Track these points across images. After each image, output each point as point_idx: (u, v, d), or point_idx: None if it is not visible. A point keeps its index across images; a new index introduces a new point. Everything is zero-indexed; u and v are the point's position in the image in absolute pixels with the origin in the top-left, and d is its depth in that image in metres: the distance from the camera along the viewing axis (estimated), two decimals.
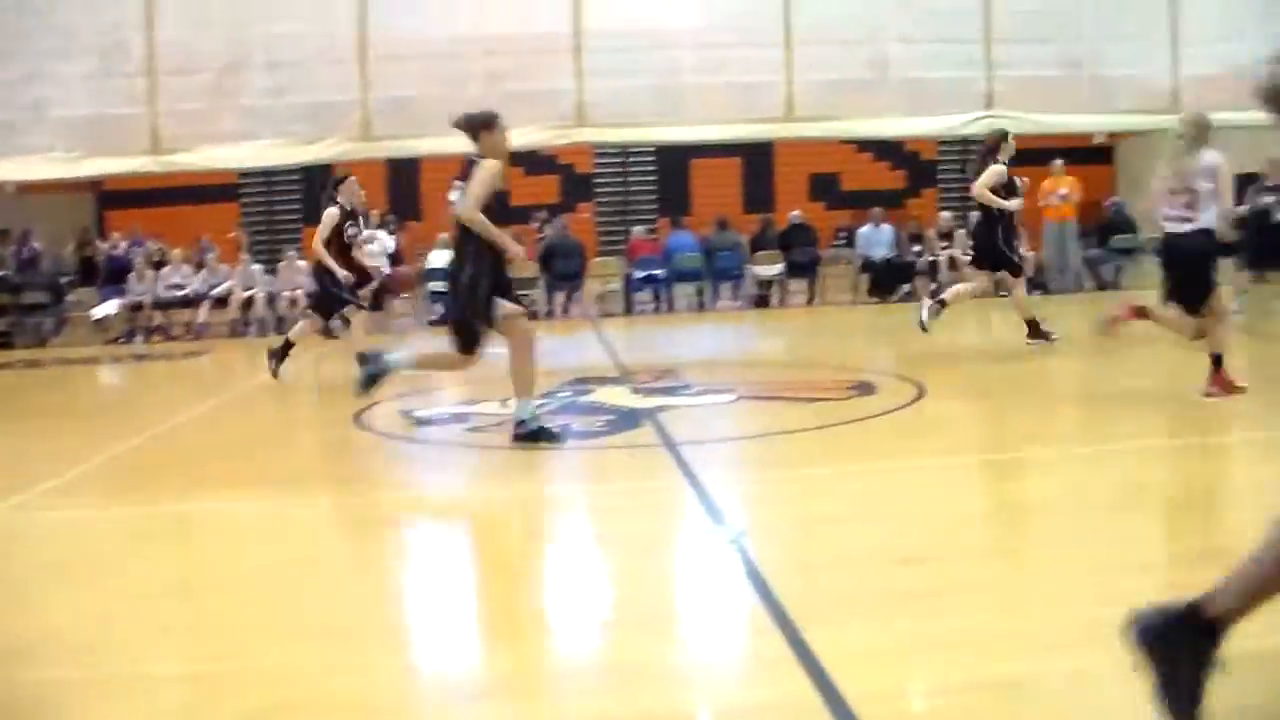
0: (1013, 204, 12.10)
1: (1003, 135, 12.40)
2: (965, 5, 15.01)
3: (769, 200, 26.02)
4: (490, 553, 5.91)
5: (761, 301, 20.91)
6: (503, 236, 7.90)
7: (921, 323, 12.11)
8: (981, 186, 11.96)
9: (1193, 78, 14.97)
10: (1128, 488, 6.52)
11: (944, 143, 28.59)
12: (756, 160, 26.50)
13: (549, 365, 11.91)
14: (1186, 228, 8.49)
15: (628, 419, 9.04)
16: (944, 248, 20.66)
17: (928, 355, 11.78)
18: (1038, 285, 19.92)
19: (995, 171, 11.98)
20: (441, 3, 14.69)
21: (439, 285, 18.92)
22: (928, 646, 4.04)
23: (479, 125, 8.16)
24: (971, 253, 13.24)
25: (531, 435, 8.01)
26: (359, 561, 5.64)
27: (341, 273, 12.05)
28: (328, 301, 12.27)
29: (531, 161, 24.30)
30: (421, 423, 9.50)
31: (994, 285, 12.86)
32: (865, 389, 9.97)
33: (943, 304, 12.29)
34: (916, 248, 21.10)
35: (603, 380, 10.92)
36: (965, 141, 27.73)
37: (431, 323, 18.52)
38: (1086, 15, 15.19)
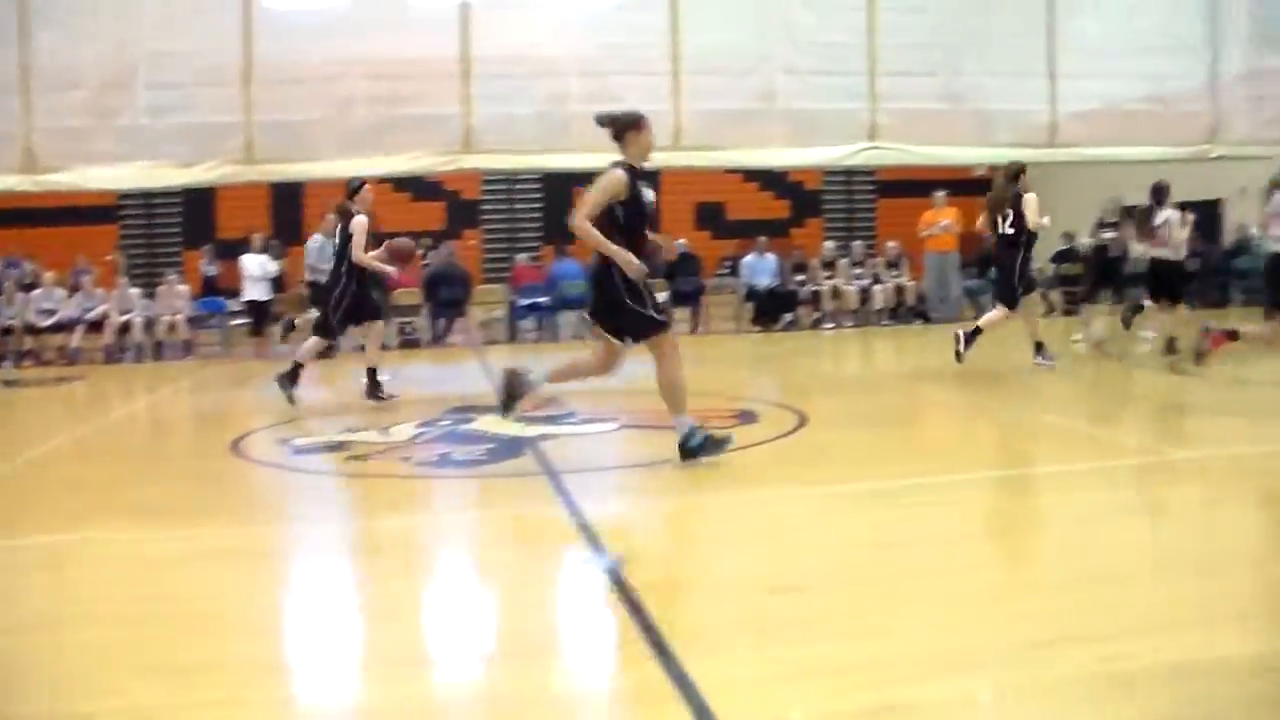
0: (1044, 221, 12.77)
1: (1022, 167, 13.10)
2: (850, 38, 15.15)
3: (655, 229, 26.15)
4: (365, 584, 5.80)
5: None
6: (616, 249, 7.71)
7: (958, 353, 12.31)
8: (1033, 214, 12.60)
9: (1070, 113, 15.28)
10: (1003, 516, 6.61)
11: (828, 173, 28.93)
12: None
13: (432, 393, 11.85)
14: None
15: (509, 447, 8.97)
16: (827, 277, 20.88)
17: (811, 384, 11.91)
18: (919, 315, 20.24)
19: (1034, 199, 12.71)
20: (327, 25, 14.51)
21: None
22: (805, 674, 4.04)
23: (627, 126, 8.07)
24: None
25: (697, 451, 7.77)
26: (231, 595, 5.50)
27: (390, 269, 12.07)
28: (366, 308, 11.99)
29: (418, 187, 24.20)
30: (300, 451, 9.33)
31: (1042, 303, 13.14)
32: (747, 417, 10.00)
33: (978, 331, 12.55)
34: (800, 277, 21.30)
35: (485, 409, 10.83)
36: (849, 172, 28.10)
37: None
38: (968, 50, 15.43)
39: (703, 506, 6.99)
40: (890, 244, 22.21)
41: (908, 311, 20.84)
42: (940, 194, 20.35)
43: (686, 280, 21.01)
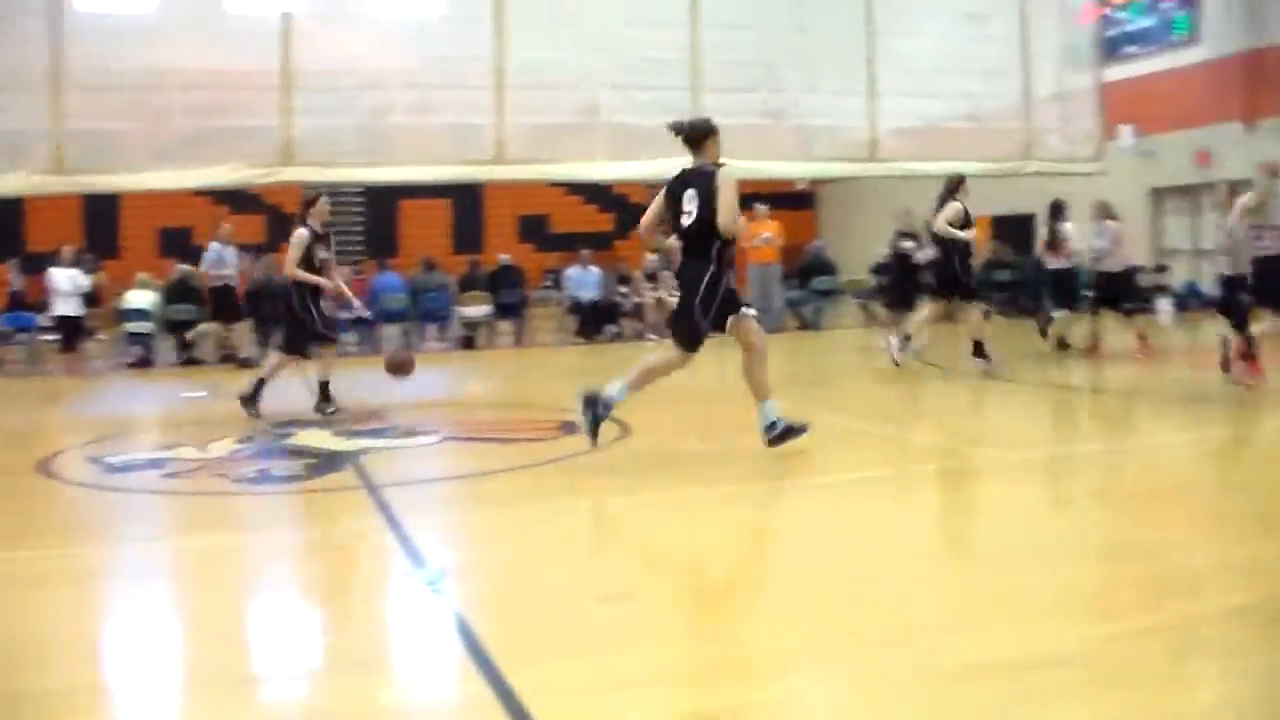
0: (968, 235, 13.29)
1: (961, 178, 13.55)
2: (674, 54, 15.33)
3: (478, 241, 26.12)
4: (184, 604, 5.68)
5: (468, 343, 20.74)
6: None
7: (895, 360, 13.34)
8: (942, 222, 13.20)
9: (889, 130, 15.67)
10: (825, 519, 6.73)
11: (652, 186, 29.15)
12: (466, 202, 26.58)
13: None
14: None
15: (329, 462, 8.86)
16: (650, 289, 21.01)
17: (633, 395, 11.90)
18: None
19: (955, 209, 13.19)
20: (143, 33, 14.20)
21: (137, 326, 18.32)
22: (633, 682, 4.07)
23: (705, 134, 8.31)
24: (932, 284, 14.24)
25: (783, 435, 8.35)
26: (48, 620, 5.33)
27: (328, 284, 11.47)
28: (300, 332, 11.44)
29: (236, 200, 23.80)
30: (114, 469, 9.07)
31: (950, 312, 13.91)
32: (571, 429, 9.98)
33: (907, 338, 13.45)
34: (623, 289, 21.42)
35: (305, 423, 10.69)
36: None
37: (130, 365, 17.96)
38: (790, 67, 15.73)
39: (526, 518, 6.99)
40: None
41: None
42: (762, 207, 20.59)
43: (510, 293, 20.98)
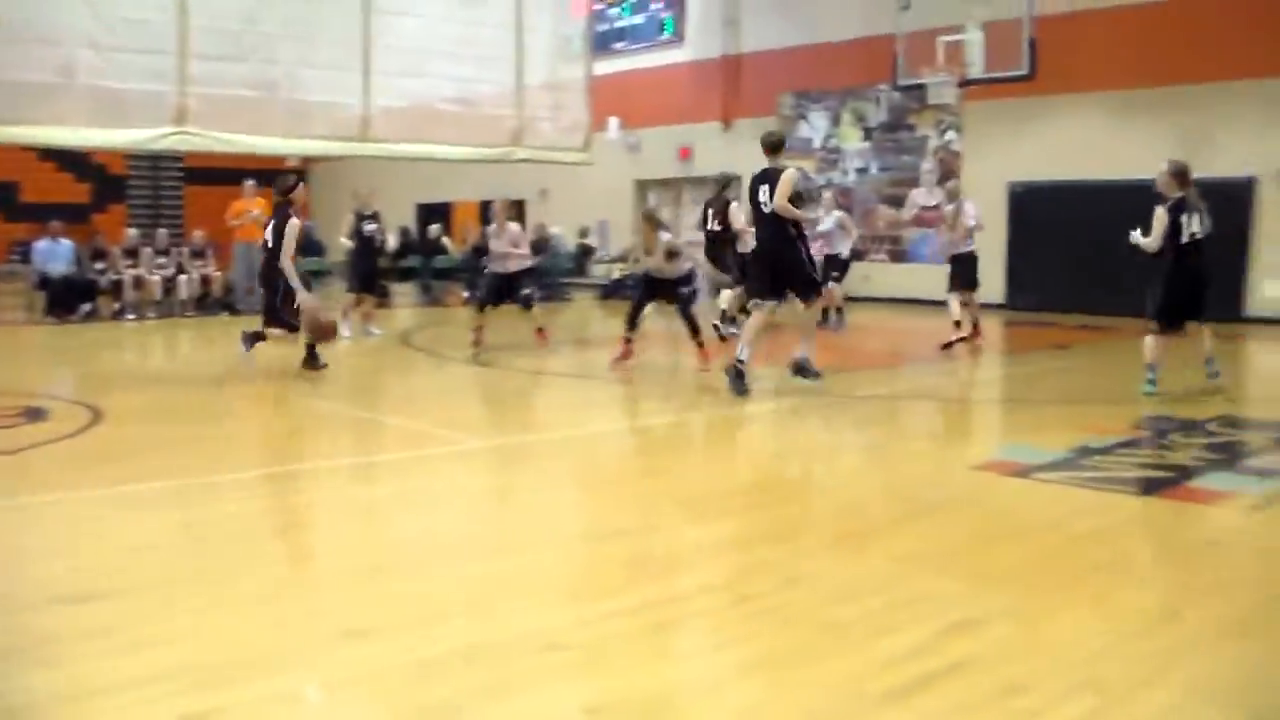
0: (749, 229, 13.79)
1: (730, 179, 15.52)
2: (159, 15, 14.46)
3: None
4: None
5: None
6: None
7: (718, 330, 14.75)
8: (741, 220, 14.08)
9: (383, 109, 15.37)
10: (307, 510, 6.47)
11: (134, 157, 27.74)
12: None
13: None
14: None
15: None
16: (130, 266, 19.84)
17: (109, 379, 11.24)
18: (226, 306, 19.69)
19: (735, 208, 14.47)
20: None
21: None
22: (107, 689, 3.83)
23: (780, 144, 11.22)
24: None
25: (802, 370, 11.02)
26: None
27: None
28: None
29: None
30: None
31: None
32: (35, 415, 9.24)
33: (733, 319, 14.70)
34: (100, 265, 20.09)
35: None
36: (156, 157, 27.07)
37: None
38: (284, 40, 15.14)
39: None
40: (197, 233, 21.52)
41: (214, 303, 20.18)
42: (250, 183, 19.90)
43: None
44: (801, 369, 11.04)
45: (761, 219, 10.93)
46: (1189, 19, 19.07)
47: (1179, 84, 19.28)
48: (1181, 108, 19.07)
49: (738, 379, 10.55)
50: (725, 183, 15.21)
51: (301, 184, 12.45)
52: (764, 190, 10.80)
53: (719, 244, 14.80)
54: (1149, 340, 10.67)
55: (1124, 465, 7.58)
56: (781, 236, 10.76)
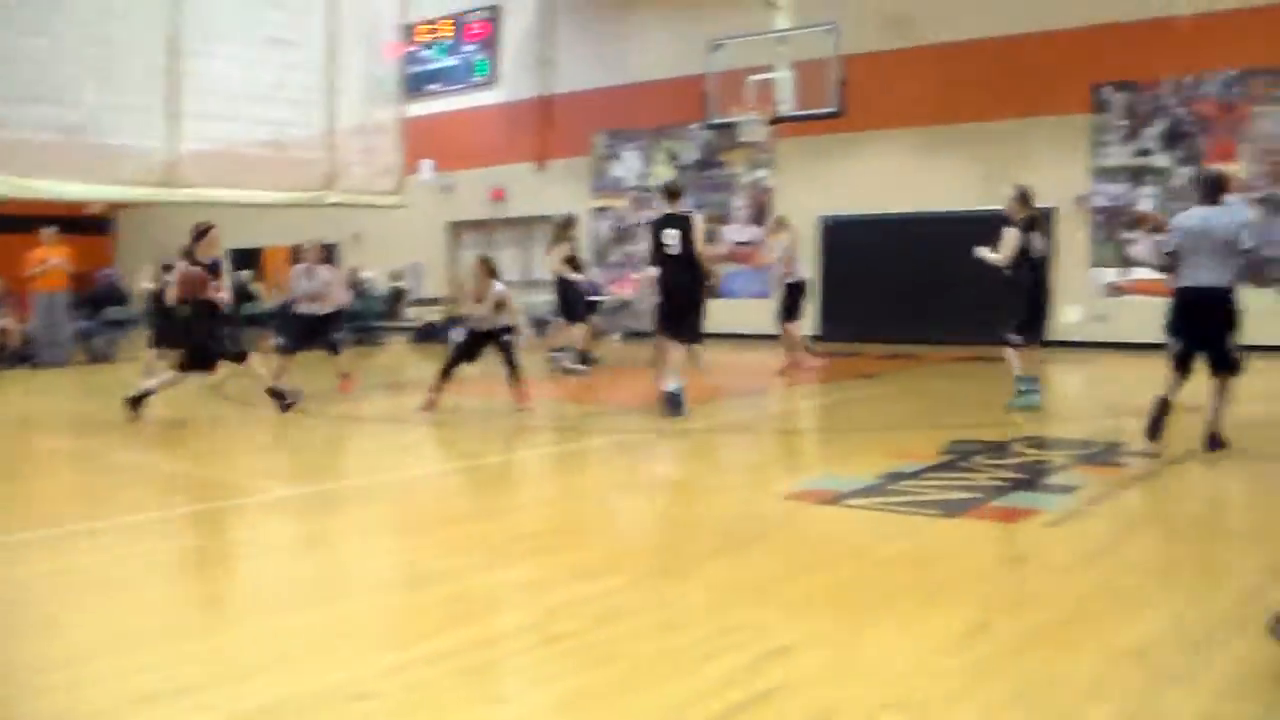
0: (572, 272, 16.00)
1: (571, 220, 16.99)
2: None
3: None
4: None
5: None
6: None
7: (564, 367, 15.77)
8: (556, 263, 15.95)
9: (193, 152, 14.97)
10: (115, 567, 6.19)
11: None
12: None
13: None
14: None
15: None
16: None
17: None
18: (25, 359, 18.89)
19: (565, 249, 16.06)
20: None
21: None
22: None
23: (680, 191, 11.79)
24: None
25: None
26: None
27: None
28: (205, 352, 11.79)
29: None
30: None
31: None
32: None
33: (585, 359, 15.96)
34: None
35: None
36: None
37: None
38: (88, 81, 14.62)
39: None
40: None
41: (13, 355, 19.36)
42: (50, 230, 19.17)
43: None
44: (674, 400, 11.18)
45: (669, 262, 11.23)
46: (988, 60, 19.70)
47: (980, 121, 19.92)
48: (983, 143, 19.73)
49: (675, 405, 11.06)
50: (567, 223, 15.84)
51: (214, 229, 12.16)
52: (669, 234, 11.19)
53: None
54: (1011, 353, 11.31)
55: (931, 489, 7.69)
56: (698, 281, 11.39)
